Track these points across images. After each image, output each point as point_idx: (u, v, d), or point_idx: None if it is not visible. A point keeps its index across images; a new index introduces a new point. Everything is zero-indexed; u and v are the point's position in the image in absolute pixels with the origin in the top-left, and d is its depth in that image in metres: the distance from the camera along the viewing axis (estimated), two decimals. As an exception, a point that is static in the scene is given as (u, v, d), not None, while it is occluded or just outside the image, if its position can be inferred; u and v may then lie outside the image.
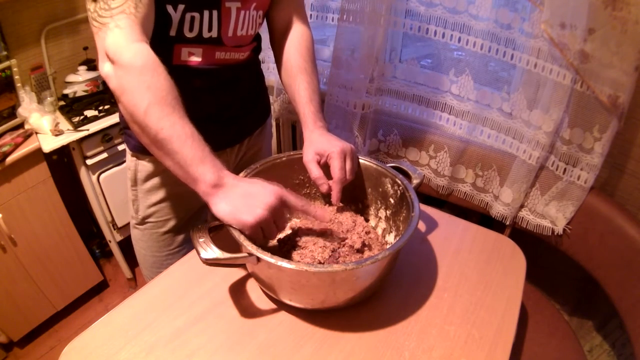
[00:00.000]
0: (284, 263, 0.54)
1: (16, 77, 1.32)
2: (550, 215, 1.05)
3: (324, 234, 0.70)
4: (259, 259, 0.56)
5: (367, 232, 0.71)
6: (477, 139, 1.14)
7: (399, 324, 0.65)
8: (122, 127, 0.86)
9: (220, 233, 0.61)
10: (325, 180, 0.72)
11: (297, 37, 0.84)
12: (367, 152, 1.32)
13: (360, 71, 1.18)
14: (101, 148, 1.45)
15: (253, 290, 0.70)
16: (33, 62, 1.49)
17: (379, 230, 0.79)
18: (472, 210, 1.23)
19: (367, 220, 0.80)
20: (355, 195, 0.81)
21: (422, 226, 0.85)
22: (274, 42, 0.87)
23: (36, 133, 1.33)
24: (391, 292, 0.70)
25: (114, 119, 1.42)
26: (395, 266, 0.69)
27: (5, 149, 1.23)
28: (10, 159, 1.23)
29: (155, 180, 0.85)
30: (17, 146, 1.26)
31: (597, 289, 0.99)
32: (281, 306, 0.67)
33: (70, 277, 1.56)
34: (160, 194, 0.87)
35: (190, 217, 0.93)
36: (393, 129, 1.25)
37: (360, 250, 0.68)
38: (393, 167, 0.76)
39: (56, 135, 1.32)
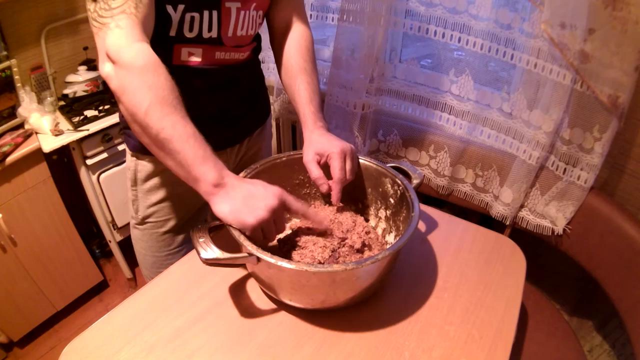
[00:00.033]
0: (284, 263, 0.54)
1: (16, 77, 1.32)
2: (550, 215, 1.05)
3: (324, 234, 0.70)
4: (259, 259, 0.56)
5: (367, 232, 0.71)
6: (477, 139, 1.14)
7: (399, 324, 0.65)
8: (122, 127, 0.86)
9: (220, 233, 0.61)
10: (325, 181, 0.72)
11: (297, 37, 0.84)
12: (367, 152, 1.32)
13: (360, 71, 1.18)
14: (101, 148, 1.45)
15: (253, 290, 0.70)
16: (33, 62, 1.49)
17: (379, 230, 0.79)
18: (472, 210, 1.23)
19: (367, 220, 0.80)
20: (355, 195, 0.81)
21: (422, 226, 0.85)
22: (274, 42, 0.87)
23: (36, 133, 1.33)
24: (391, 292, 0.70)
25: (114, 119, 1.42)
26: (395, 266, 0.69)
27: (5, 149, 1.23)
28: (10, 159, 1.23)
29: (155, 180, 0.85)
30: (17, 146, 1.26)
31: (597, 289, 0.99)
32: (281, 306, 0.67)
33: (70, 277, 1.56)
34: (160, 194, 0.87)
35: (190, 217, 0.93)
36: (393, 129, 1.25)
37: (360, 250, 0.68)
38: (393, 167, 0.76)
39: (56, 135, 1.32)
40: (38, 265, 1.42)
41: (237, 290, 0.70)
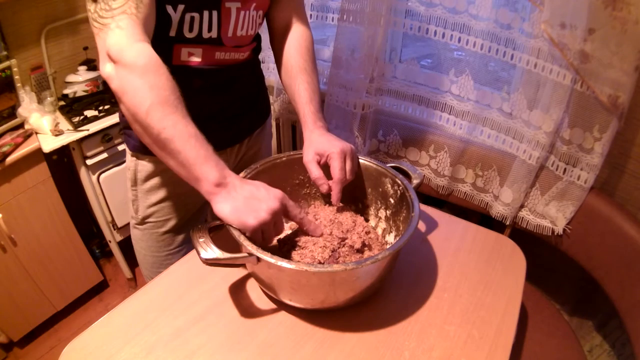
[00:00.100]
0: (284, 263, 0.54)
1: (16, 77, 1.32)
2: (550, 215, 1.05)
3: (324, 234, 0.70)
4: (259, 259, 0.56)
5: (367, 232, 0.71)
6: (477, 139, 1.14)
7: (399, 324, 0.65)
8: (122, 127, 0.86)
9: (220, 233, 0.61)
10: (325, 181, 0.72)
11: (297, 37, 0.84)
12: (367, 152, 1.32)
13: (360, 71, 1.18)
14: (101, 148, 1.45)
15: (253, 290, 0.70)
16: (33, 62, 1.49)
17: (379, 230, 0.79)
18: (472, 210, 1.23)
19: (367, 220, 0.80)
20: (355, 195, 0.81)
21: (422, 226, 0.85)
22: (274, 42, 0.87)
23: (36, 133, 1.33)
24: (391, 292, 0.70)
25: (114, 119, 1.42)
26: (395, 266, 0.69)
27: (5, 149, 1.23)
28: (10, 159, 1.23)
29: (155, 180, 0.85)
30: (17, 146, 1.26)
31: (597, 289, 0.99)
32: (281, 306, 0.67)
33: (70, 277, 1.56)
34: (160, 194, 0.87)
35: (190, 217, 0.93)
36: (393, 129, 1.25)
37: (360, 250, 0.68)
38: (393, 167, 0.76)
39: (56, 135, 1.32)
40: (38, 265, 1.42)
41: (237, 290, 0.70)
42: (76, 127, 1.36)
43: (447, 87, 1.13)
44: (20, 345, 1.51)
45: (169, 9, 0.65)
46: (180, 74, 0.61)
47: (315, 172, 0.72)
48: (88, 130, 1.36)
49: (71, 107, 1.48)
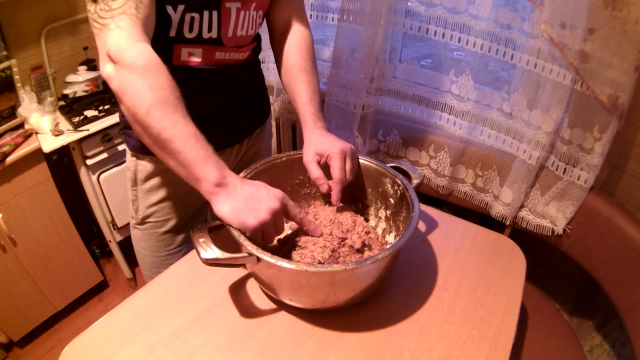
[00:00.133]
0: (284, 263, 0.54)
1: (16, 77, 1.32)
2: (550, 215, 1.05)
3: (324, 234, 0.70)
4: (259, 259, 0.56)
5: (367, 232, 0.71)
6: (477, 139, 1.14)
7: (399, 324, 0.65)
8: (122, 127, 0.86)
9: (220, 233, 0.61)
10: (325, 181, 0.72)
11: (297, 37, 0.84)
12: (367, 152, 1.32)
13: (360, 71, 1.18)
14: (101, 148, 1.45)
15: (253, 290, 0.70)
16: (33, 62, 1.49)
17: (379, 230, 0.79)
18: (472, 210, 1.23)
19: (367, 220, 0.80)
20: (355, 195, 0.81)
21: (422, 226, 0.85)
22: (274, 42, 0.87)
23: (36, 133, 1.33)
24: (391, 292, 0.70)
25: (114, 119, 1.42)
26: (395, 266, 0.69)
27: (5, 149, 1.23)
28: (10, 159, 1.23)
29: (155, 180, 0.85)
30: (17, 146, 1.26)
31: (597, 289, 0.99)
32: (281, 306, 0.67)
33: (70, 277, 1.56)
34: (160, 194, 0.87)
35: (190, 217, 0.93)
36: (393, 129, 1.25)
37: (360, 250, 0.68)
38: (393, 167, 0.76)
39: (56, 135, 1.32)
40: (38, 265, 1.42)
41: (237, 290, 0.70)
42: (76, 127, 1.36)
43: (447, 87, 1.13)
44: (20, 345, 1.51)
45: (169, 9, 0.65)
46: (180, 74, 0.61)
47: (315, 172, 0.72)
48: (88, 130, 1.36)
49: (71, 107, 1.48)
